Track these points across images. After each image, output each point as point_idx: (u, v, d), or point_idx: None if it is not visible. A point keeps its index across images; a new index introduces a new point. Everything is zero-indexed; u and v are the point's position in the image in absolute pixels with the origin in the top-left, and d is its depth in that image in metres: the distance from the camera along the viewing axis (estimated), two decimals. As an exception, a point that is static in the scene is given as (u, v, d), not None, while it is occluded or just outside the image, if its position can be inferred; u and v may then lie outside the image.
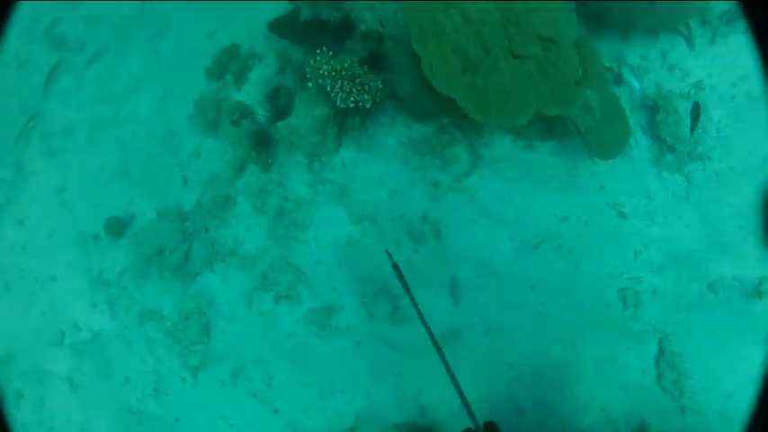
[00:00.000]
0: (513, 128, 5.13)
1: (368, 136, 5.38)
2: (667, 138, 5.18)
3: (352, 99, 4.88)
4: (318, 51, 4.88)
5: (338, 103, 4.92)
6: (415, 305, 3.58)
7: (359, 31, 5.14)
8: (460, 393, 2.62)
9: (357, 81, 4.89)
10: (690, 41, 5.40)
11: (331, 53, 4.91)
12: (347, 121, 5.45)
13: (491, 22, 4.47)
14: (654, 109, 5.29)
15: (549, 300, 5.00)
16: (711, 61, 5.36)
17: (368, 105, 4.89)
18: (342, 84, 4.87)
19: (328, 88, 4.90)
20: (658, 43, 5.47)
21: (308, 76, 4.94)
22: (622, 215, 5.13)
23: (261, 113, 5.77)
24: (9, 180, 7.21)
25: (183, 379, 5.69)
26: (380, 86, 4.94)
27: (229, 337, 5.56)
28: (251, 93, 6.06)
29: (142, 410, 5.82)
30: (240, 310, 5.53)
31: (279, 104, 5.68)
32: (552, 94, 4.57)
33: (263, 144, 5.55)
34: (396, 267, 3.71)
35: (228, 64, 6.35)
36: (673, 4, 5.11)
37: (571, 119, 4.79)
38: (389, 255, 4.02)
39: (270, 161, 5.59)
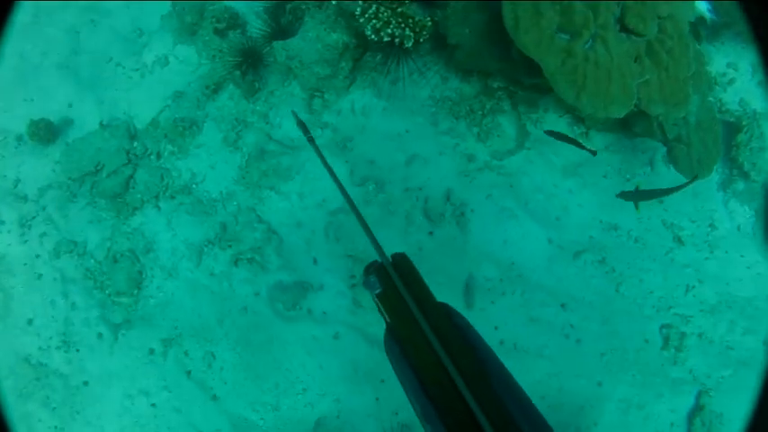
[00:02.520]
0: (569, 110, 3.39)
1: (391, 80, 3.43)
2: (745, 163, 3.59)
3: (388, 32, 2.98)
4: None
5: (368, 32, 3.03)
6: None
7: None
8: (364, 224, 1.67)
9: (399, 11, 2.99)
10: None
11: None
12: (367, 56, 3.49)
13: None
14: (735, 127, 3.67)
15: (580, 322, 3.34)
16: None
17: (408, 44, 3.00)
18: (378, 10, 2.96)
19: (358, 11, 3.00)
20: (751, 52, 3.84)
21: None
22: (679, 240, 3.52)
23: (256, 27, 3.71)
24: None
25: (100, 335, 3.69)
26: (429, 24, 3.04)
27: (165, 295, 3.58)
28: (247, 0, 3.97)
29: (43, 363, 3.79)
30: (185, 265, 3.55)
31: (281, 20, 3.64)
32: (660, 87, 2.82)
33: (251, 64, 3.52)
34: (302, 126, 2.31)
35: None
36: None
37: (659, 119, 3.08)
38: (295, 114, 2.43)
39: (256, 86, 3.57)
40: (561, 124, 3.51)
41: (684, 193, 3.64)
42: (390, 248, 2.78)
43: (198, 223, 3.51)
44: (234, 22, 3.87)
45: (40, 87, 4.49)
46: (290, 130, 3.38)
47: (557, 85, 2.71)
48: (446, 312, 1.44)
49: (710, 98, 3.59)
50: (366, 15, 3.01)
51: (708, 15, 3.60)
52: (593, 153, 3.10)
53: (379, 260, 1.51)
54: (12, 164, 4.27)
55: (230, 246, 3.41)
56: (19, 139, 4.28)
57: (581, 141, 3.35)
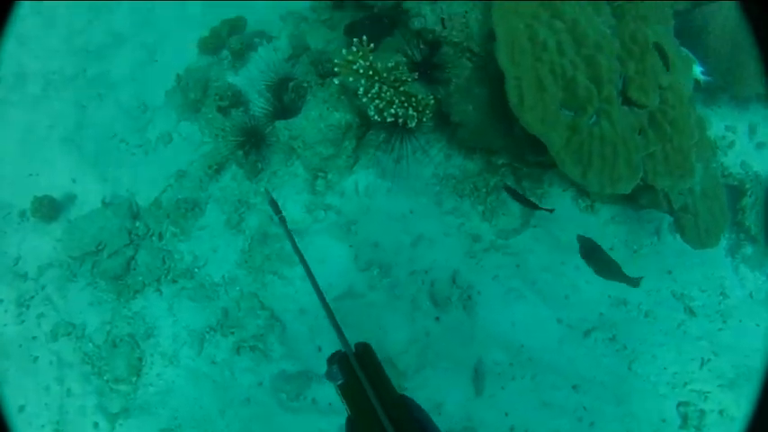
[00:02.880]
0: (573, 183, 3.28)
1: (394, 159, 3.29)
2: (752, 227, 3.44)
3: (392, 112, 2.82)
4: (356, 41, 2.80)
5: (371, 112, 2.88)
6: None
7: (410, 28, 3.11)
8: (329, 313, 1.61)
9: (402, 90, 2.86)
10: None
11: (372, 46, 2.82)
12: (370, 134, 3.36)
13: (608, 49, 2.57)
14: (739, 191, 3.54)
15: (593, 404, 3.09)
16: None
17: (412, 124, 2.84)
18: (381, 89, 2.81)
19: (361, 91, 2.85)
20: (748, 114, 3.77)
21: (336, 69, 2.87)
22: (691, 311, 3.32)
23: (259, 105, 3.60)
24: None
25: (96, 425, 3.42)
26: (432, 103, 2.90)
27: (166, 383, 3.33)
28: (250, 78, 3.85)
29: (32, 456, 3.52)
30: (186, 352, 3.31)
31: (284, 98, 3.55)
32: (665, 159, 2.68)
33: (254, 144, 3.39)
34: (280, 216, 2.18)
35: (228, 38, 4.17)
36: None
37: (664, 190, 2.96)
38: (268, 192, 2.40)
39: (259, 166, 3.43)
40: (566, 198, 3.36)
41: (692, 261, 3.50)
42: (396, 335, 2.57)
43: (200, 309, 3.29)
44: (236, 99, 3.78)
45: (44, 161, 4.37)
46: (293, 212, 3.21)
47: (563, 163, 2.56)
48: (406, 406, 1.40)
49: (713, 164, 3.49)
50: (369, 95, 2.87)
51: (702, 78, 3.53)
52: (550, 211, 2.98)
53: (343, 350, 1.47)
54: (13, 240, 4.11)
55: (232, 333, 3.18)
56: (22, 214, 4.13)
57: (586, 214, 3.24)
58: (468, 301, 3.09)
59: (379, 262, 3.13)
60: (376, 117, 2.86)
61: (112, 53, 4.78)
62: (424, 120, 2.87)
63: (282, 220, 2.11)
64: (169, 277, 3.44)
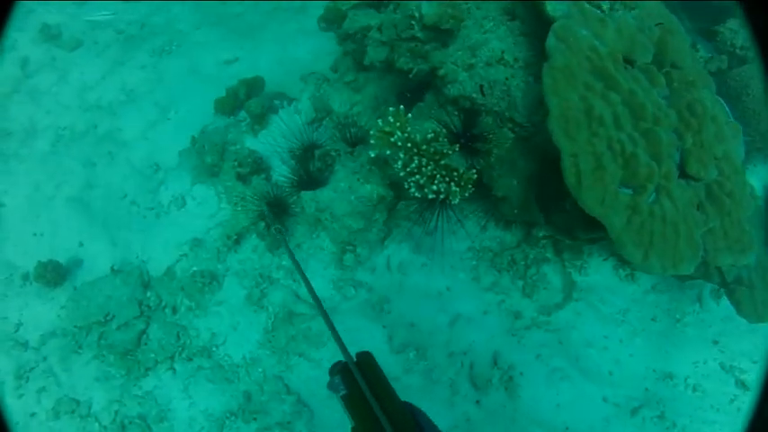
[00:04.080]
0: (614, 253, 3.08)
1: (427, 232, 3.04)
2: (798, 291, 3.27)
3: (434, 189, 2.57)
4: (392, 110, 2.57)
5: (411, 188, 2.61)
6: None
7: (446, 95, 2.90)
8: (327, 321, 1.55)
9: (443, 163, 2.60)
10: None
11: (410, 115, 2.60)
12: (400, 206, 3.12)
13: (665, 122, 2.39)
14: (781, 254, 3.37)
15: (645, 491, 2.83)
16: None
17: (455, 201, 2.59)
18: (421, 163, 2.57)
19: (398, 165, 2.60)
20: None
21: (372, 141, 2.64)
22: (742, 384, 3.07)
23: (281, 173, 3.37)
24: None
25: None
26: (475, 177, 2.63)
27: (180, 474, 3.02)
28: (271, 142, 3.60)
29: None
30: (203, 439, 3.01)
31: (309, 166, 3.29)
32: (724, 234, 2.48)
33: (276, 214, 3.13)
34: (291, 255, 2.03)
35: (246, 100, 4.00)
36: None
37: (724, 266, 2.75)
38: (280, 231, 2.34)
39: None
40: (606, 267, 3.14)
41: (740, 330, 3.28)
42: (435, 422, 2.32)
43: (219, 391, 2.97)
44: (258, 166, 3.50)
45: (51, 221, 4.09)
46: (320, 288, 2.97)
47: (623, 247, 2.32)
48: (410, 413, 1.38)
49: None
50: (409, 169, 2.59)
51: None
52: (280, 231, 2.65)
53: (344, 360, 1.43)
54: (14, 305, 3.78)
55: (255, 419, 2.85)
56: (25, 278, 3.82)
57: (627, 283, 3.06)
58: (509, 383, 2.81)
59: (414, 344, 2.85)
60: (417, 194, 2.63)
61: (124, 110, 4.60)
62: (467, 195, 2.65)
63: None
64: (184, 355, 3.13)
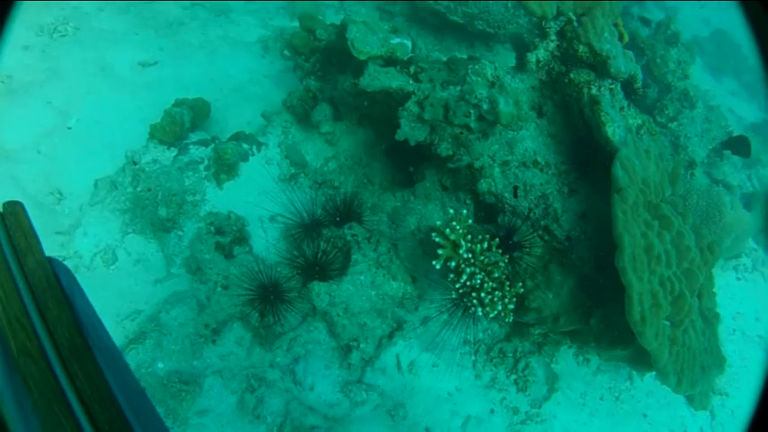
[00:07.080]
0: (574, 340, 3.25)
1: (425, 327, 2.69)
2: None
3: (498, 308, 2.24)
4: (453, 212, 2.22)
5: (476, 308, 2.23)
6: None
7: (477, 189, 2.57)
8: None
9: (496, 277, 2.26)
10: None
11: (470, 222, 2.23)
12: (422, 306, 2.71)
13: (697, 261, 2.50)
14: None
15: None
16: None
17: (508, 320, 2.31)
18: (484, 279, 2.20)
19: (463, 278, 2.18)
20: None
21: (440, 252, 2.20)
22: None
23: (262, 243, 2.62)
24: None
25: None
26: (521, 292, 2.36)
27: None
28: (242, 197, 2.77)
29: None
30: None
31: (321, 260, 2.55)
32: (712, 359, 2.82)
33: (268, 299, 2.38)
34: None
35: (192, 129, 3.01)
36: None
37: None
38: None
39: (277, 330, 2.45)
40: (569, 354, 3.23)
41: (660, 401, 3.76)
42: None
43: None
44: (240, 234, 2.67)
45: None
46: (323, 392, 2.39)
47: (665, 375, 2.41)
48: (51, 269, 1.12)
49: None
50: (471, 284, 2.19)
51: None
52: None
53: None
54: None
55: None
56: None
57: (583, 367, 3.26)
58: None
59: None
60: (479, 313, 2.25)
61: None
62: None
63: None
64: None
